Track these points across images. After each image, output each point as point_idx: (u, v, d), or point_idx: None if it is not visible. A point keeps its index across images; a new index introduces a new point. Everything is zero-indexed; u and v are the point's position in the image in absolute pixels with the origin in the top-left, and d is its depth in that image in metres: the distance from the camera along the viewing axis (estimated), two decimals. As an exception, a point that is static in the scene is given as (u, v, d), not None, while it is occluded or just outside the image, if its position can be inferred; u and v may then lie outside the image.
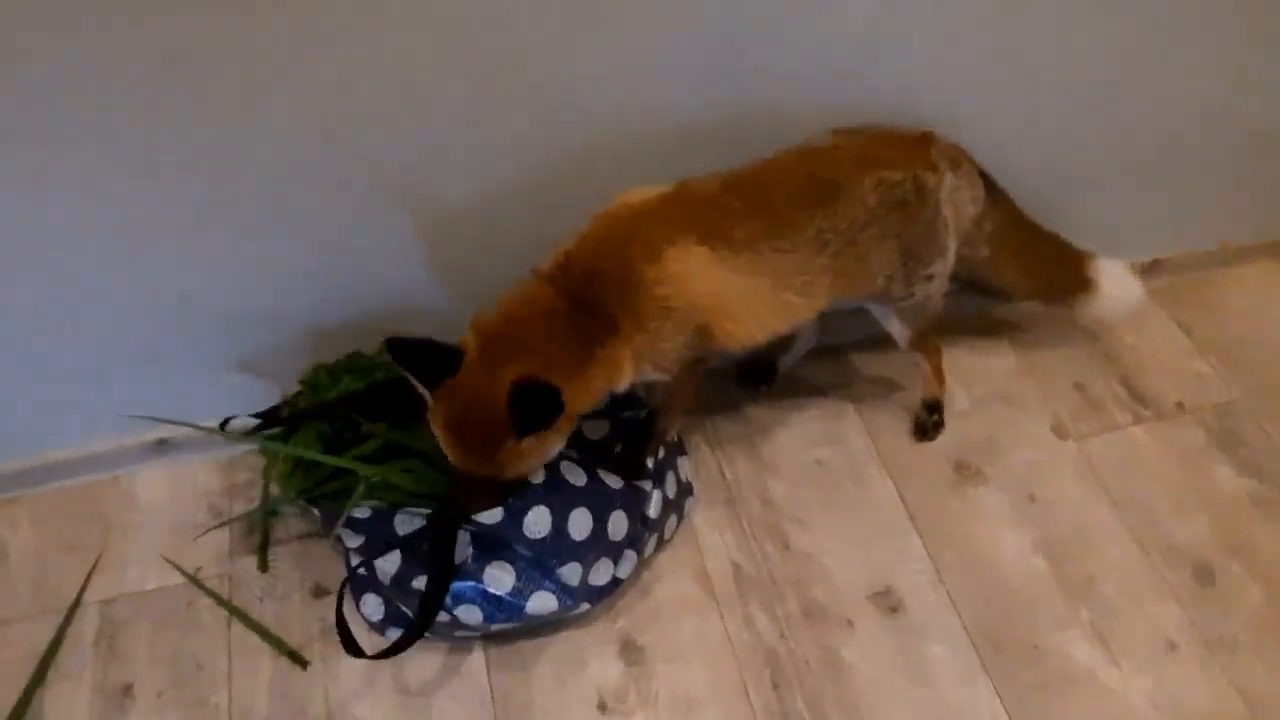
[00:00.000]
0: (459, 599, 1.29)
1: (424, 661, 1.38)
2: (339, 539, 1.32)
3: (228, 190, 1.24)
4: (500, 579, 1.29)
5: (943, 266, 1.40)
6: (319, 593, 1.45)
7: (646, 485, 1.39)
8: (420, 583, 1.28)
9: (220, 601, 1.43)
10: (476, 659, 1.39)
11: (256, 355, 1.49)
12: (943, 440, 1.67)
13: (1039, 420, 1.72)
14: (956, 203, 1.38)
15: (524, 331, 1.12)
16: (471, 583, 1.29)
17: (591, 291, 1.15)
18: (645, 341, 1.18)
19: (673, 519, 1.49)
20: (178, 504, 1.54)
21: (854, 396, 1.73)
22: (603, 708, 1.35)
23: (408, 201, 1.34)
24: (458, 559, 1.27)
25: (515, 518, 1.25)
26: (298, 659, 1.38)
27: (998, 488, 1.62)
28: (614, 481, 1.36)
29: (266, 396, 1.49)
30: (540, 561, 1.29)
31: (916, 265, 1.36)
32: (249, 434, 1.41)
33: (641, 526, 1.38)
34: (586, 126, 1.33)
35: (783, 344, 1.67)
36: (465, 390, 1.10)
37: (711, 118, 1.37)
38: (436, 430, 1.14)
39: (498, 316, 1.15)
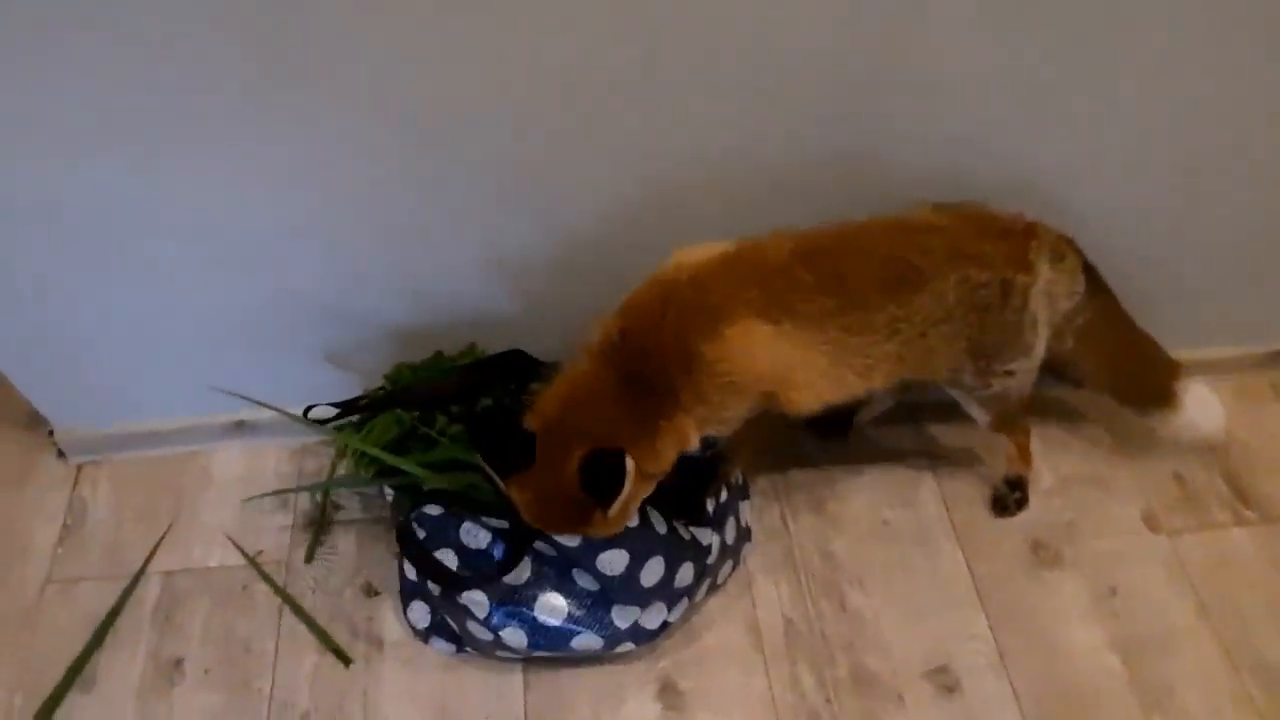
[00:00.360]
0: (507, 620, 1.28)
1: (464, 676, 1.38)
2: (401, 534, 1.32)
3: (336, 196, 1.27)
4: (554, 608, 1.27)
5: (1027, 363, 1.32)
6: (370, 592, 1.46)
7: (708, 533, 1.36)
8: (468, 598, 1.28)
9: (275, 588, 1.46)
10: (515, 681, 1.38)
11: (343, 350, 1.51)
12: (1021, 517, 1.59)
13: (1129, 508, 1.61)
14: (1051, 296, 1.29)
15: (584, 414, 1.12)
16: (523, 608, 1.28)
17: (650, 367, 1.13)
18: (708, 412, 1.16)
19: (728, 564, 1.45)
20: (248, 486, 1.58)
21: (932, 460, 1.66)
22: (635, 748, 1.33)
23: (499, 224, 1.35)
24: (517, 579, 1.26)
25: (594, 548, 1.24)
26: (342, 656, 1.39)
27: (1076, 575, 1.53)
28: (684, 533, 1.34)
29: (349, 391, 1.51)
30: (598, 599, 1.27)
31: (990, 363, 1.29)
32: (325, 421, 1.43)
33: (701, 576, 1.35)
34: (678, 164, 1.31)
35: (860, 399, 1.62)
36: (537, 483, 1.12)
37: (811, 167, 1.32)
38: (524, 515, 1.15)
39: (555, 401, 1.14)
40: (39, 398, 1.52)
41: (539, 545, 1.26)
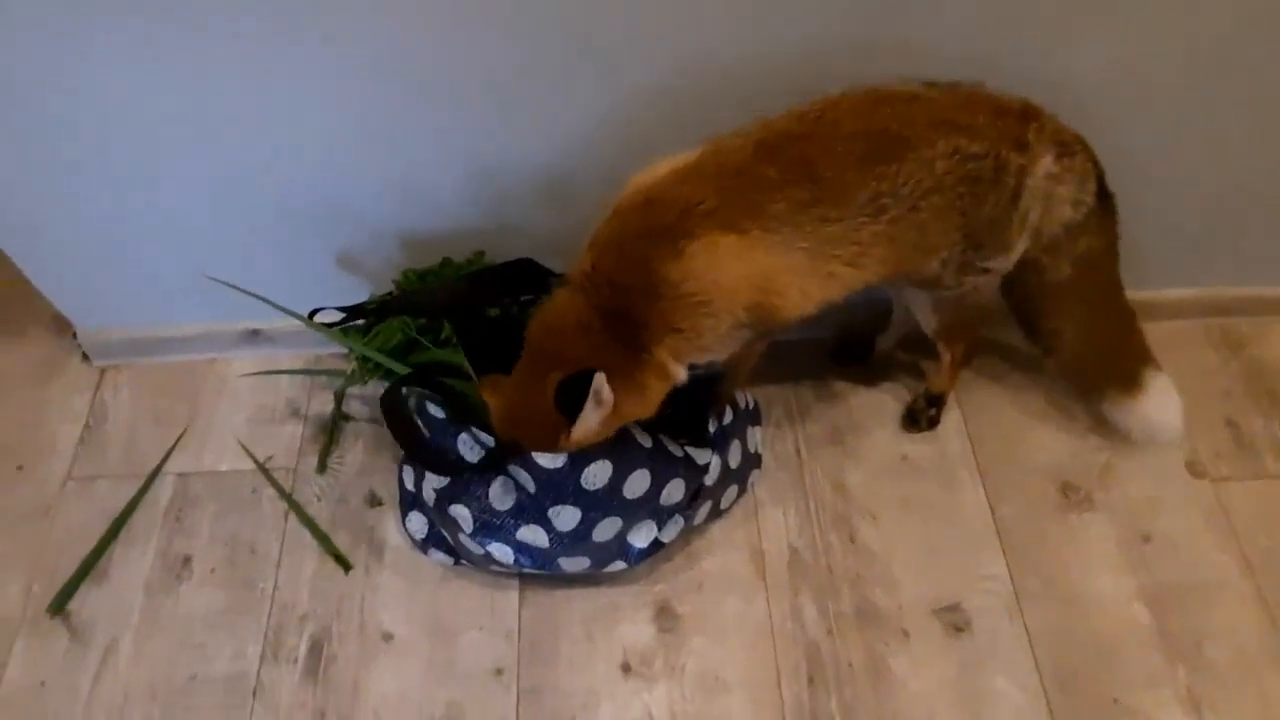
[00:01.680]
0: (491, 537, 1.26)
1: (460, 589, 1.38)
2: (385, 405, 1.30)
3: (344, 97, 1.23)
4: (535, 536, 1.25)
5: (1002, 263, 1.20)
6: (373, 502, 1.47)
7: (706, 453, 1.31)
8: (456, 510, 1.26)
9: (281, 493, 1.47)
10: (510, 597, 1.37)
11: (354, 255, 1.49)
12: (1051, 457, 1.50)
13: (1173, 453, 1.51)
14: (1050, 196, 1.16)
15: (563, 345, 1.09)
16: (503, 533, 1.26)
17: (618, 300, 1.07)
18: (684, 340, 1.10)
19: (732, 489, 1.41)
20: (261, 394, 1.59)
21: (959, 394, 1.57)
22: (626, 669, 1.31)
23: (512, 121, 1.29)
24: (504, 505, 1.24)
25: (576, 466, 1.20)
26: (343, 561, 1.40)
27: (1107, 520, 1.44)
28: (676, 449, 1.29)
29: (359, 296, 1.50)
30: (576, 534, 1.24)
31: (975, 254, 1.18)
32: (331, 326, 1.41)
33: (694, 496, 1.31)
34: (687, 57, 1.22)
35: (879, 320, 1.54)
36: (513, 392, 1.11)
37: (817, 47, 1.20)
38: (493, 420, 1.14)
39: (539, 329, 1.11)
40: (62, 301, 1.55)
41: (520, 478, 1.22)
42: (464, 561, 1.36)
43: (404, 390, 1.27)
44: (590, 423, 1.07)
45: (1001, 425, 1.54)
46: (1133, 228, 1.33)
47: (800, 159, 1.07)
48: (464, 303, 1.33)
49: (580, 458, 1.19)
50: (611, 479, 1.21)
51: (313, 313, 1.40)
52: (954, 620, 1.34)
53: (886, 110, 1.10)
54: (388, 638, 1.34)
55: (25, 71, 1.17)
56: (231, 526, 1.45)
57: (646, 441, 1.26)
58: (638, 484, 1.24)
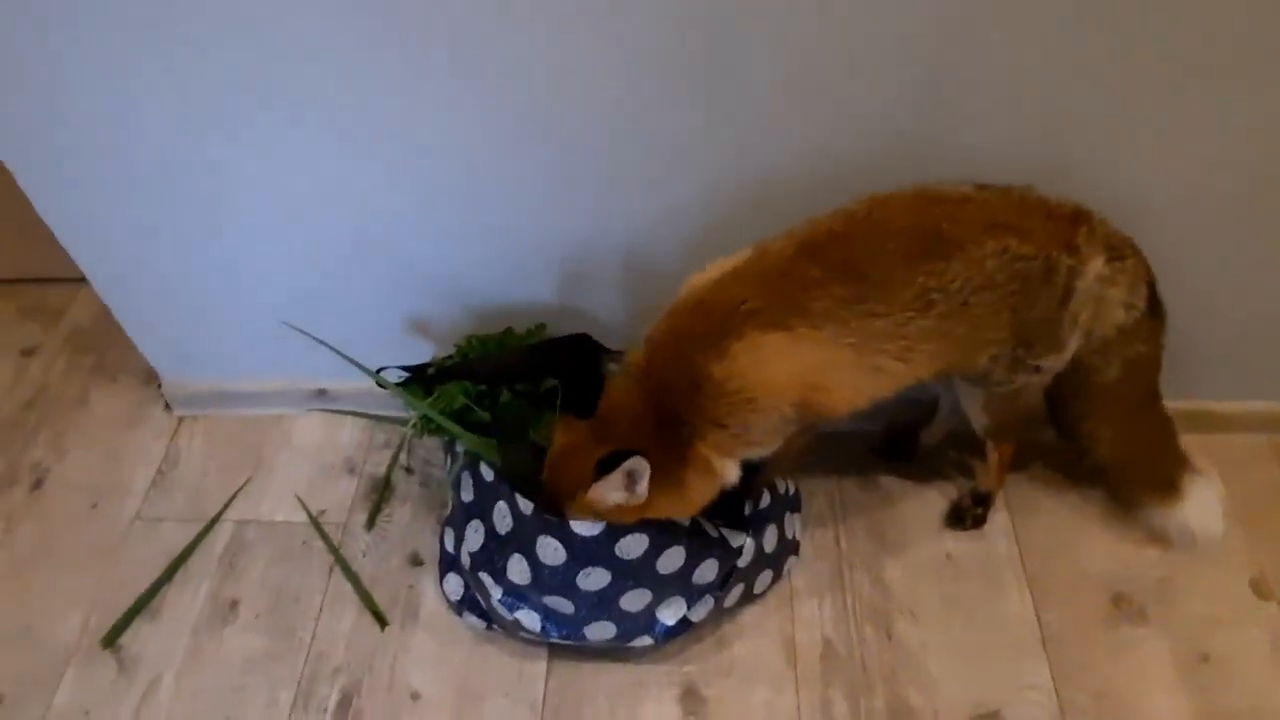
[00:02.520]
0: (520, 603, 1.28)
1: (489, 654, 1.39)
2: (455, 485, 1.36)
3: (436, 167, 1.32)
4: (561, 605, 1.26)
5: (1054, 362, 1.20)
6: (415, 561, 1.50)
7: (741, 536, 1.31)
8: (486, 578, 1.29)
9: (329, 546, 1.52)
10: (539, 667, 1.37)
11: (420, 318, 1.57)
12: (1104, 566, 1.45)
13: (1236, 570, 1.44)
14: (1102, 298, 1.16)
15: (620, 424, 1.14)
16: (529, 599, 1.28)
17: (667, 398, 1.12)
18: (730, 438, 1.13)
19: (767, 574, 1.40)
20: (321, 451, 1.67)
21: (1009, 494, 1.54)
22: (647, 749, 1.29)
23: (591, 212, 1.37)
24: (549, 560, 1.25)
25: (613, 535, 1.22)
26: (380, 618, 1.43)
27: (1163, 636, 1.37)
28: (712, 530, 1.30)
29: (422, 357, 1.57)
30: (604, 597, 1.25)
31: (1027, 353, 1.18)
32: (397, 385, 1.47)
33: (726, 578, 1.31)
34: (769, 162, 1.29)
35: (925, 416, 1.53)
36: (571, 441, 1.17)
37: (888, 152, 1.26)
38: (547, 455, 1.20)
39: (607, 401, 1.16)
40: (149, 351, 1.67)
41: (545, 552, 1.23)
42: (496, 627, 1.37)
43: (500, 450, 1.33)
44: (609, 496, 1.11)
45: (1052, 530, 1.50)
46: (1193, 339, 1.33)
47: (845, 258, 1.11)
48: (522, 373, 1.39)
49: (618, 529, 1.21)
50: (646, 551, 1.23)
51: (379, 370, 1.48)
52: (992, 729, 1.29)
53: (936, 210, 1.13)
54: (415, 696, 1.35)
55: (132, 134, 1.28)
56: (280, 575, 1.50)
57: (684, 520, 1.27)
58: (672, 560, 1.25)
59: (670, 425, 1.12)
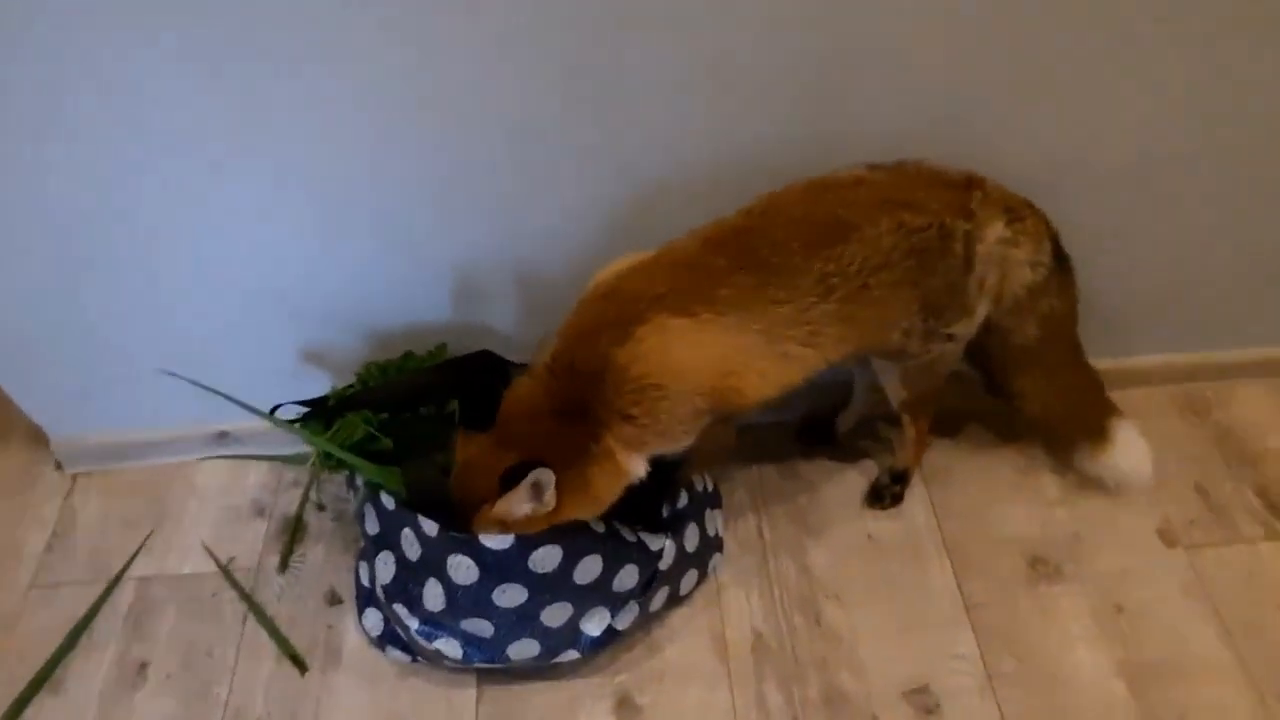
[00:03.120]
0: (438, 631, 1.24)
1: (417, 687, 1.35)
2: (360, 518, 1.32)
3: (317, 196, 1.29)
4: (480, 627, 1.23)
5: (966, 328, 1.22)
6: (333, 600, 1.45)
7: (660, 539, 1.30)
8: (401, 611, 1.25)
9: (240, 594, 1.46)
10: (468, 694, 1.34)
11: (317, 349, 1.52)
12: (1017, 530, 1.47)
13: (1143, 521, 1.48)
14: (1005, 260, 1.19)
15: (521, 430, 1.12)
16: (446, 627, 1.25)
17: (574, 390, 1.10)
18: (637, 429, 1.11)
19: (691, 574, 1.39)
20: (227, 495, 1.60)
21: (925, 468, 1.56)
22: (586, 765, 1.26)
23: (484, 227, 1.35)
24: (436, 606, 1.23)
25: (525, 548, 1.19)
26: (299, 662, 1.38)
27: (1079, 592, 1.40)
28: (629, 534, 1.28)
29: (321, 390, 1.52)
30: (523, 613, 1.22)
31: (937, 322, 1.20)
32: (290, 421, 1.43)
33: (649, 582, 1.29)
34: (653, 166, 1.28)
35: (840, 400, 1.55)
36: (475, 457, 1.14)
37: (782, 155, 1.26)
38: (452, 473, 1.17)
39: (505, 409, 1.14)
40: (35, 409, 1.58)
41: (458, 573, 1.20)
42: (420, 659, 1.34)
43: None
44: (516, 509, 1.09)
45: (967, 500, 1.52)
46: (1095, 296, 1.36)
47: (747, 248, 1.11)
48: (425, 395, 1.36)
49: (529, 541, 1.19)
50: (562, 564, 1.20)
51: (274, 409, 1.43)
52: (924, 703, 1.30)
53: (830, 196, 1.15)
54: (342, 741, 1.31)
55: (12, 190, 1.22)
56: (190, 631, 1.43)
57: (599, 527, 1.25)
58: (589, 569, 1.22)
59: (575, 419, 1.10)
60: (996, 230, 1.17)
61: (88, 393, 1.56)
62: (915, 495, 1.53)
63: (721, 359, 1.11)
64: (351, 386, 1.45)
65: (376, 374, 1.45)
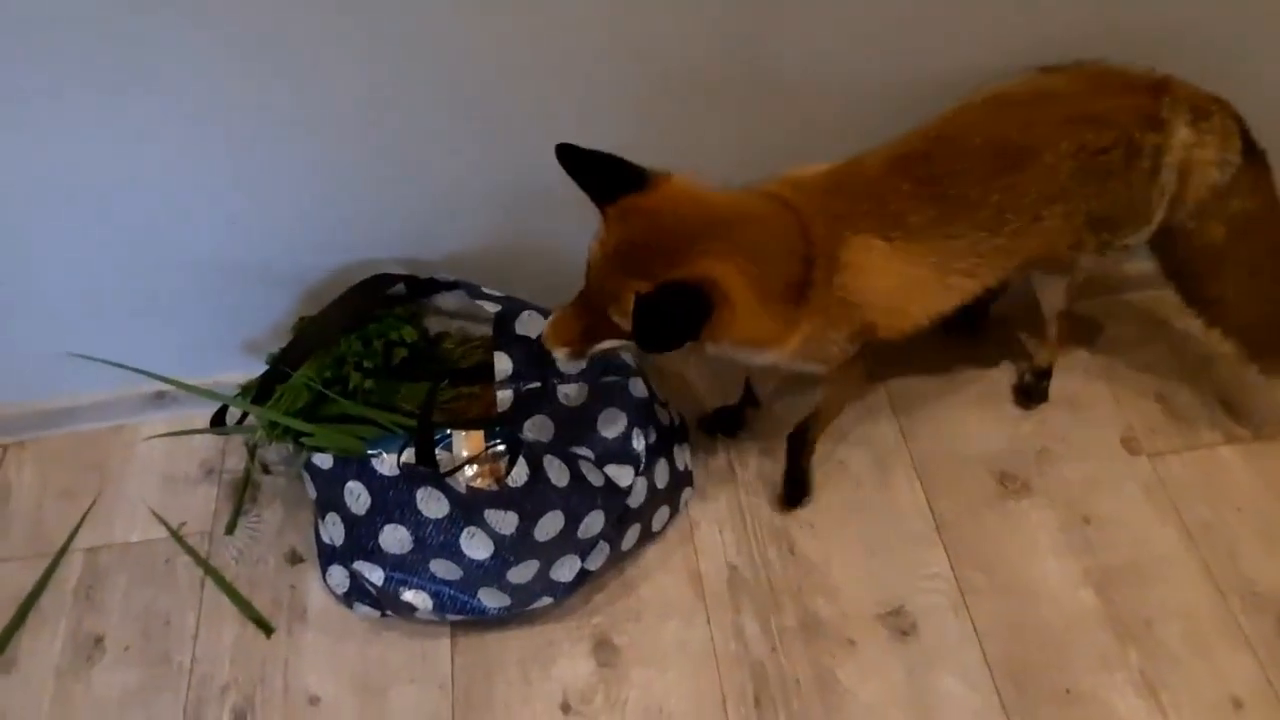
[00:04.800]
0: (408, 577, 1.21)
1: (389, 642, 1.32)
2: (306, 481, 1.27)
3: (233, 148, 1.19)
4: (448, 569, 1.20)
5: (1142, 236, 1.18)
6: (294, 559, 1.41)
7: (628, 473, 1.27)
8: (364, 567, 1.21)
9: (196, 559, 1.41)
10: (442, 645, 1.31)
11: (251, 308, 1.44)
12: (985, 447, 1.48)
13: (1107, 431, 1.49)
14: (1192, 163, 1.11)
15: (757, 236, 0.99)
16: (416, 573, 1.22)
17: (810, 247, 1.03)
18: (820, 325, 1.07)
19: (663, 510, 1.36)
20: (172, 458, 1.53)
21: (892, 392, 1.55)
22: (566, 708, 1.25)
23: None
24: (401, 549, 1.19)
25: (473, 512, 1.16)
26: (263, 625, 1.34)
27: (1046, 505, 1.41)
28: (596, 478, 1.24)
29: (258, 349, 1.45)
30: (490, 566, 1.19)
31: (1112, 235, 1.16)
32: (236, 396, 1.36)
33: (619, 521, 1.26)
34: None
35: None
36: (661, 218, 0.96)
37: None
38: (600, 245, 0.99)
39: (741, 201, 1.02)
40: (-49, 378, 1.48)
41: (422, 507, 1.17)
42: (389, 613, 1.30)
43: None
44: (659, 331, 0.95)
45: (935, 419, 1.52)
46: None
47: (929, 176, 1.08)
48: (339, 329, 1.30)
49: (476, 505, 1.15)
50: (519, 527, 1.17)
51: (220, 412, 1.37)
52: (899, 624, 1.31)
53: (1009, 116, 1.10)
54: (314, 701, 1.27)
55: None
56: (145, 600, 1.38)
57: (563, 479, 1.20)
58: (549, 527, 1.19)
59: (806, 267, 1.02)
60: (1182, 135, 1.10)
61: (10, 360, 1.46)
62: (883, 418, 1.52)
63: (899, 290, 1.09)
64: (287, 346, 1.37)
65: (308, 326, 1.37)
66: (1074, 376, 1.55)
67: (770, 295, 1.00)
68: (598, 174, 0.97)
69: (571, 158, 0.97)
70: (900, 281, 1.08)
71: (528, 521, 1.16)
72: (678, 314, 0.92)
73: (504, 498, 1.13)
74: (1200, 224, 1.18)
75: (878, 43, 1.18)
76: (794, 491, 1.40)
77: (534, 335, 1.24)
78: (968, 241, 1.09)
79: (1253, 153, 1.16)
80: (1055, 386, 1.53)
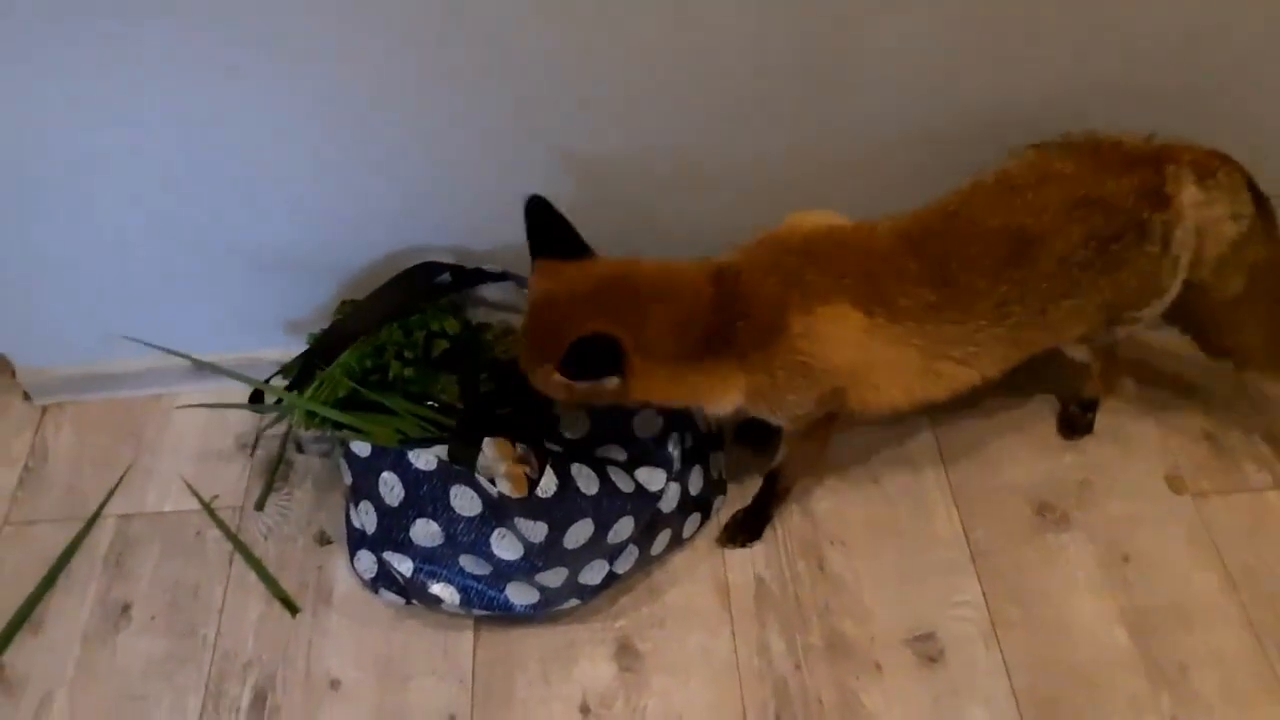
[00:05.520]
0: (438, 570, 1.21)
1: (412, 631, 1.32)
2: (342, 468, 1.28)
3: (288, 129, 1.19)
4: (477, 563, 1.19)
5: (1158, 307, 1.15)
6: (322, 540, 1.41)
7: (660, 477, 1.25)
8: (394, 558, 1.21)
9: (226, 533, 1.41)
10: (465, 638, 1.31)
11: (296, 290, 1.44)
12: (1025, 476, 1.45)
13: (1151, 467, 1.46)
14: (1205, 222, 1.09)
15: (639, 306, 1.03)
16: (445, 565, 1.22)
17: (736, 310, 1.04)
18: (767, 384, 1.07)
19: (694, 517, 1.35)
20: (208, 430, 1.53)
21: (932, 413, 1.52)
22: (585, 710, 1.25)
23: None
24: (465, 510, 1.18)
25: (510, 512, 1.15)
26: (289, 605, 1.34)
27: (1085, 539, 1.38)
28: (626, 484, 1.23)
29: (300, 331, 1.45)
30: (520, 565, 1.19)
31: (1123, 311, 1.14)
32: (274, 400, 1.37)
33: (650, 526, 1.25)
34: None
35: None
36: (565, 288, 1.04)
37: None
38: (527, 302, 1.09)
39: (627, 273, 1.05)
40: (-2, 337, 1.50)
41: (455, 504, 1.17)
42: (415, 602, 1.30)
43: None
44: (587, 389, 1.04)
45: (974, 442, 1.49)
46: None
47: (939, 259, 1.06)
48: (383, 318, 1.30)
49: (507, 510, 1.14)
50: (549, 535, 1.16)
51: (254, 395, 1.39)
52: (927, 650, 1.28)
53: (1018, 202, 1.07)
54: (335, 685, 1.28)
55: None
56: (174, 570, 1.39)
57: (592, 487, 1.19)
58: (579, 534, 1.18)
59: (712, 331, 1.04)
60: (1190, 196, 1.08)
61: (55, 323, 1.48)
62: (921, 440, 1.50)
63: (870, 368, 1.08)
64: (328, 328, 1.37)
65: (350, 310, 1.37)
66: (1120, 409, 1.51)
67: (676, 349, 1.04)
68: (553, 235, 1.05)
69: (539, 212, 1.04)
70: (873, 357, 1.07)
71: (557, 531, 1.15)
72: (593, 355, 0.99)
73: (534, 507, 1.13)
74: (1220, 278, 1.17)
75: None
76: (745, 529, 1.37)
77: None
78: (964, 329, 1.07)
79: (1260, 201, 1.15)
80: (1101, 419, 1.49)
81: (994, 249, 1.06)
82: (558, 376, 1.03)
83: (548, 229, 1.05)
